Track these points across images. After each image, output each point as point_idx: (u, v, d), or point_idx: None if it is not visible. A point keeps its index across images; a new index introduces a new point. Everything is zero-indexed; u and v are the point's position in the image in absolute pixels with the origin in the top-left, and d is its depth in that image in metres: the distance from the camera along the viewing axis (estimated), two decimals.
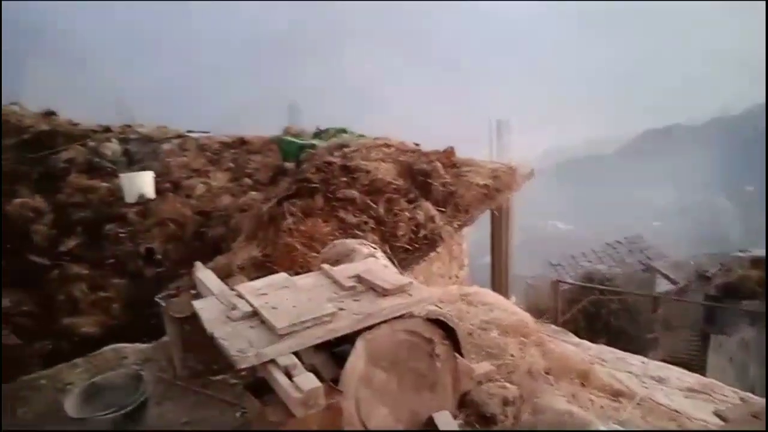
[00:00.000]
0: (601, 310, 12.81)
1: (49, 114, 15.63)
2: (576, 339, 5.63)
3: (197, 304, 3.52)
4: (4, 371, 5.41)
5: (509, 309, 4.72)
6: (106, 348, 4.71)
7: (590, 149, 68.03)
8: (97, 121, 14.48)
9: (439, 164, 8.75)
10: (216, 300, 3.56)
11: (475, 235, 10.36)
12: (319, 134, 11.38)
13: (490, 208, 9.45)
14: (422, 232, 7.78)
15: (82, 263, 7.43)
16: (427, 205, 8.06)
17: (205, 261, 7.45)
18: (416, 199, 8.18)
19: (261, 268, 6.93)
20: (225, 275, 6.84)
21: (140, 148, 12.52)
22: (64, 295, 6.67)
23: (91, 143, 12.48)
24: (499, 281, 10.10)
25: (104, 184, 10.03)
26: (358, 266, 3.79)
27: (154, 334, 5.69)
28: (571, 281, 13.98)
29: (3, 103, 16.05)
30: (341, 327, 3.16)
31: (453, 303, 4.74)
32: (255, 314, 3.28)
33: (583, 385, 3.81)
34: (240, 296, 3.48)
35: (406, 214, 7.86)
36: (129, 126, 14.24)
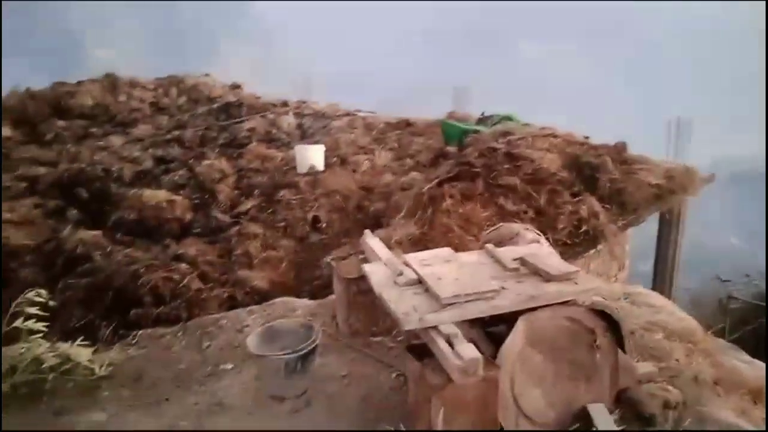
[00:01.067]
0: None
1: (236, 87, 17.17)
2: (747, 357, 5.17)
3: (367, 267, 3.75)
4: (190, 311, 6.14)
5: (676, 314, 4.47)
6: (277, 300, 5.17)
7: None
8: (278, 96, 15.67)
9: (608, 159, 8.39)
10: (383, 265, 3.76)
11: (636, 240, 9.80)
12: (483, 120, 11.37)
13: (661, 210, 8.90)
14: (584, 228, 7.54)
15: (258, 223, 8.12)
16: (592, 200, 7.78)
17: None
18: (580, 193, 7.92)
19: (417, 245, 7.14)
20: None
21: (313, 123, 13.36)
22: (240, 250, 7.35)
23: (271, 116, 13.55)
24: (661, 289, 9.49)
25: (280, 154, 10.84)
26: (523, 250, 3.80)
27: (315, 294, 6.13)
28: (744, 298, 12.72)
29: (197, 74, 17.90)
30: (503, 305, 3.21)
31: (616, 300, 4.58)
32: (419, 282, 3.43)
33: (755, 402, 3.52)
34: (406, 264, 3.64)
35: (569, 207, 7.65)
36: (304, 102, 15.24)
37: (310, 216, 8.34)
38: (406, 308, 3.16)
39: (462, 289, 3.25)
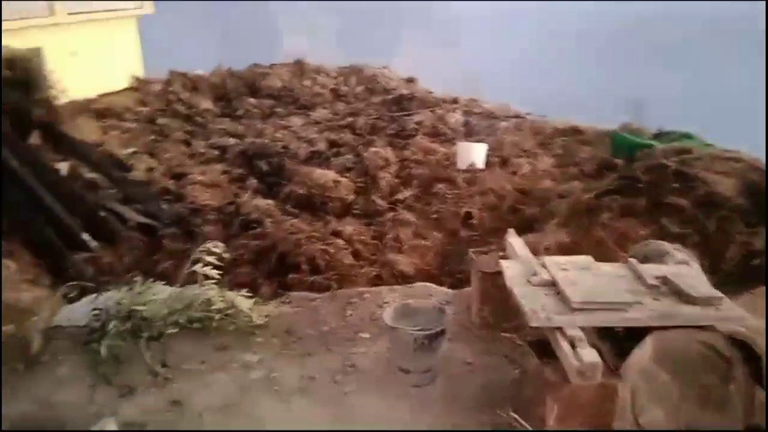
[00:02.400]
0: None
1: (411, 80, 17.79)
2: None
3: (504, 263, 3.90)
4: (341, 283, 6.65)
5: None
6: (418, 284, 5.48)
7: None
8: (449, 92, 16.01)
9: None
10: (520, 264, 3.88)
11: None
12: (659, 136, 10.77)
13: None
14: (755, 262, 6.94)
15: (412, 212, 8.50)
16: None
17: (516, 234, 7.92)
18: (757, 224, 7.28)
19: (567, 253, 7.04)
20: (531, 252, 7.19)
21: (480, 122, 13.50)
22: (393, 234, 7.77)
23: (439, 111, 13.90)
24: None
25: (442, 149, 11.14)
26: (668, 269, 3.70)
27: (454, 286, 6.34)
28: None
29: (377, 65, 18.79)
30: (635, 319, 3.20)
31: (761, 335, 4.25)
32: (553, 284, 3.51)
33: None
34: (543, 266, 3.73)
35: (741, 237, 7.08)
36: (475, 100, 15.42)
37: (462, 211, 8.54)
38: (535, 306, 3.28)
39: (593, 296, 3.29)
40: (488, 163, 10.33)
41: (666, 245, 4.17)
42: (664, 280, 3.53)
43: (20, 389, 3.98)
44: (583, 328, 3.17)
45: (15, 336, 4.62)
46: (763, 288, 7.34)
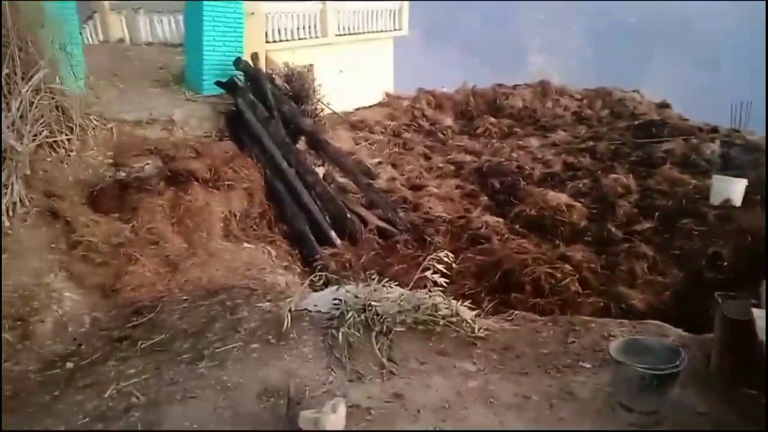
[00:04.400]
0: None
1: (664, 106, 16.57)
2: None
3: (756, 312, 3.51)
4: (563, 308, 6.50)
5: None
6: (651, 321, 5.12)
7: None
8: (708, 120, 14.55)
9: None
10: None
11: None
12: None
13: None
14: None
15: (650, 245, 7.95)
16: None
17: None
18: None
19: None
20: None
21: (741, 155, 12.07)
22: (626, 266, 7.35)
23: (694, 140, 12.74)
24: None
25: (693, 181, 10.21)
26: None
27: (693, 330, 5.78)
28: None
29: (628, 88, 17.84)
30: None
31: None
32: None
33: None
34: None
35: None
36: (737, 131, 13.81)
37: (710, 251, 7.75)
38: None
39: None
40: (746, 201, 9.22)
41: None
42: None
43: (271, 359, 4.61)
44: None
45: (271, 312, 5.40)
46: None
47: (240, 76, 9.88)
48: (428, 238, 8.45)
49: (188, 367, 4.51)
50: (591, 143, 13.28)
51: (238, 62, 9.91)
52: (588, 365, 4.36)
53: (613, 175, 10.33)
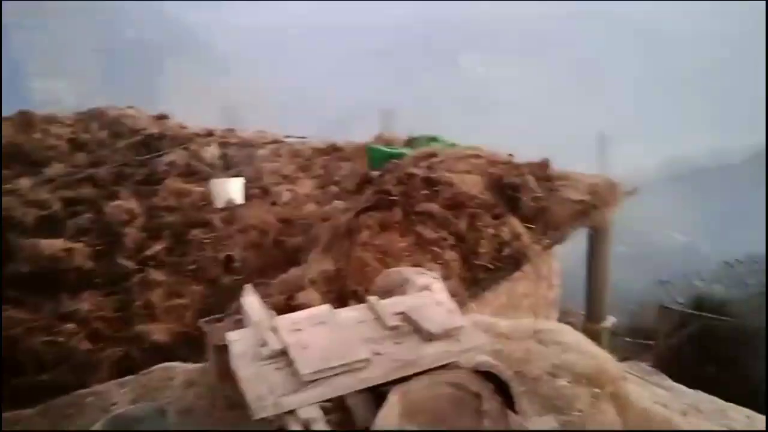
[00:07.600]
0: (711, 340, 11.44)
1: (162, 117, 16.39)
2: (669, 382, 4.95)
3: (232, 336, 3.29)
4: (77, 376, 5.54)
5: (588, 351, 4.15)
6: (157, 366, 4.62)
7: (715, 159, 62.97)
8: (205, 125, 15.01)
9: (531, 177, 8.17)
10: (253, 332, 3.31)
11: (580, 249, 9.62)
12: (410, 142, 11.08)
13: (586, 226, 8.72)
14: (506, 251, 7.27)
15: (164, 269, 7.55)
16: (514, 222, 7.52)
17: (281, 271, 7.38)
18: (503, 214, 7.65)
19: (333, 283, 6.72)
20: (297, 289, 6.71)
21: (237, 153, 12.81)
22: (141, 300, 6.78)
23: (193, 147, 12.93)
24: (594, 305, 9.33)
25: (198, 189, 10.24)
26: (407, 301, 3.41)
27: None
28: (678, 305, 12.62)
29: (120, 105, 17.11)
30: (375, 376, 2.82)
31: (523, 340, 4.24)
32: (284, 353, 3.00)
33: None
34: (274, 330, 3.21)
35: (490, 230, 7.37)
36: (231, 130, 14.66)
37: (223, 255, 7.82)
38: (261, 390, 2.73)
39: (328, 360, 2.83)
40: (248, 196, 9.71)
41: (406, 271, 3.92)
42: (404, 316, 3.22)
43: None
44: None
45: None
46: (519, 274, 7.77)
47: None
48: None
49: None
50: (91, 170, 12.16)
51: None
52: None
53: (116, 202, 9.55)
